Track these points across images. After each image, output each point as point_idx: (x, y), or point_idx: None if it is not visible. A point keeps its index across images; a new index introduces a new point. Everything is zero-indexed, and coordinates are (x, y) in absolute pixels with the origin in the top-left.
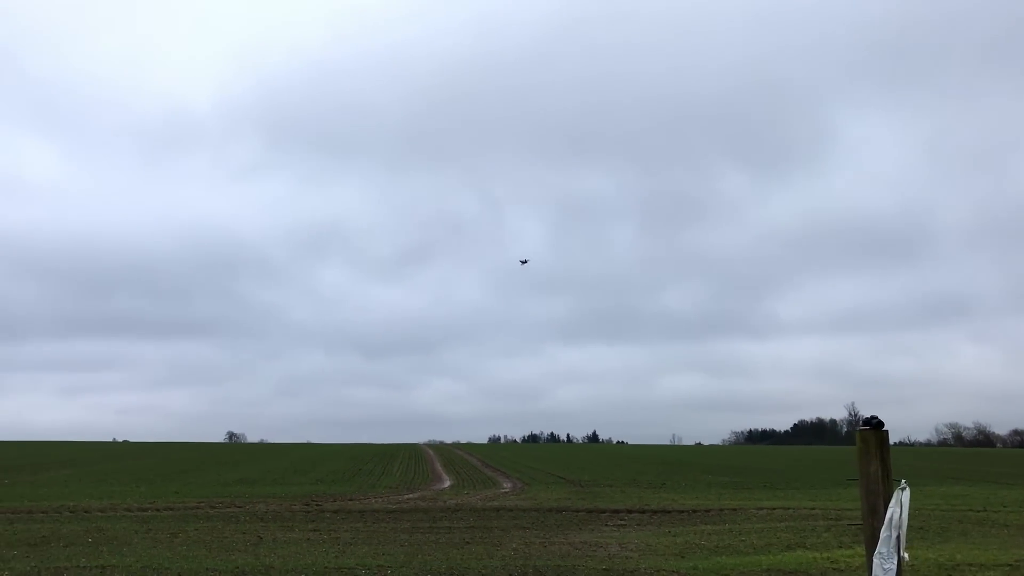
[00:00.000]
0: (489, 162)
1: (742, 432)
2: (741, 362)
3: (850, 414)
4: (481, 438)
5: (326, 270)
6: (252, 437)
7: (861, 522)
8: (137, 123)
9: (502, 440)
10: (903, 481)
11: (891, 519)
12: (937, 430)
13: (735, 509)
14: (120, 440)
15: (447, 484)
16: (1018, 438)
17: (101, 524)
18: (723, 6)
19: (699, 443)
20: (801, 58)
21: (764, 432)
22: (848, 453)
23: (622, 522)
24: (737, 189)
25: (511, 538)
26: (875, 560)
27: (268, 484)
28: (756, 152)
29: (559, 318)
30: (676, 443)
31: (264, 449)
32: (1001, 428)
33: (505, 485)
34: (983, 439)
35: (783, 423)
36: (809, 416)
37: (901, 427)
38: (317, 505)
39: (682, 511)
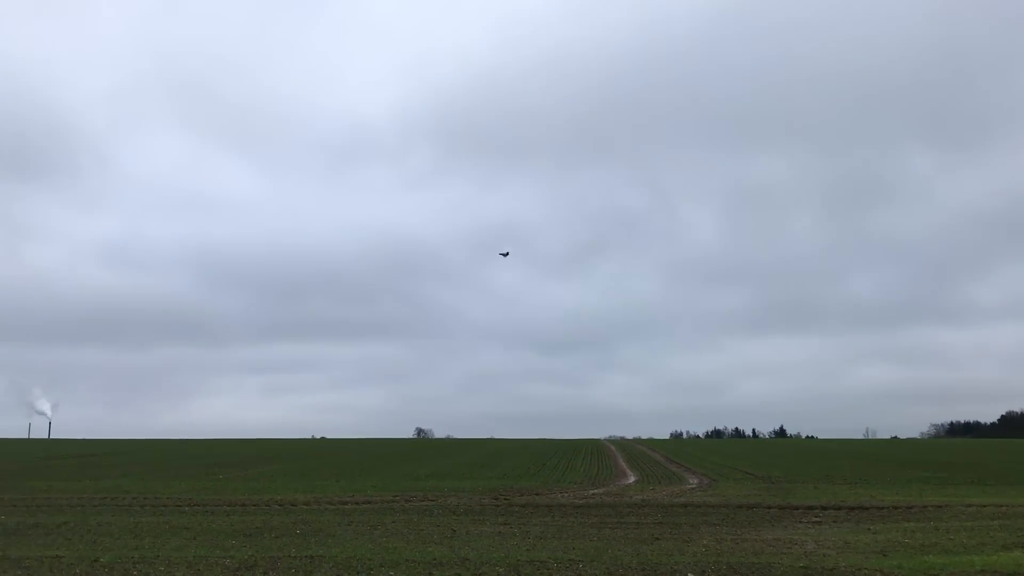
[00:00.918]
0: (658, 154)
1: (942, 425)
2: (937, 351)
3: None
4: (662, 434)
5: (502, 270)
6: (439, 433)
7: None
8: (321, 138)
9: (684, 436)
10: None
11: None
12: None
13: (940, 506)
14: (318, 437)
15: (631, 480)
16: None
17: (306, 516)
18: None
19: (895, 437)
20: (991, 20)
21: (967, 424)
22: None
23: (817, 519)
24: (926, 167)
25: (701, 534)
26: None
27: (457, 479)
28: (946, 127)
29: (737, 310)
30: (870, 437)
31: (450, 445)
32: None
33: (691, 481)
34: None
35: (988, 415)
36: (1018, 407)
37: None
38: (505, 499)
39: (881, 508)
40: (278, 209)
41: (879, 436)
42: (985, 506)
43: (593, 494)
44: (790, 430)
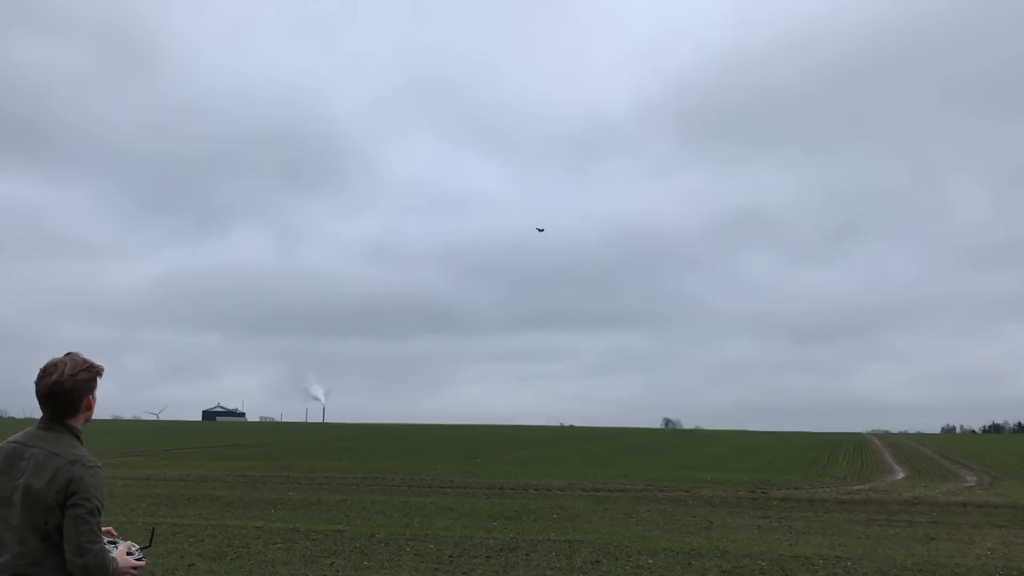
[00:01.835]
0: (920, 128)
1: None
2: None
3: None
4: (932, 428)
5: (748, 256)
6: (687, 424)
7: None
8: (562, 132)
9: (958, 430)
10: None
11: None
12: None
13: None
14: (567, 424)
15: (900, 476)
16: None
17: (562, 502)
18: None
19: None
20: None
21: None
22: None
23: None
24: None
25: (984, 536)
26: None
27: (710, 470)
28: None
29: (1017, 293)
30: None
31: (701, 436)
32: None
33: (968, 479)
34: None
35: None
36: None
37: None
38: (763, 492)
39: None
40: (524, 203)
41: None
42: None
43: (858, 490)
44: None
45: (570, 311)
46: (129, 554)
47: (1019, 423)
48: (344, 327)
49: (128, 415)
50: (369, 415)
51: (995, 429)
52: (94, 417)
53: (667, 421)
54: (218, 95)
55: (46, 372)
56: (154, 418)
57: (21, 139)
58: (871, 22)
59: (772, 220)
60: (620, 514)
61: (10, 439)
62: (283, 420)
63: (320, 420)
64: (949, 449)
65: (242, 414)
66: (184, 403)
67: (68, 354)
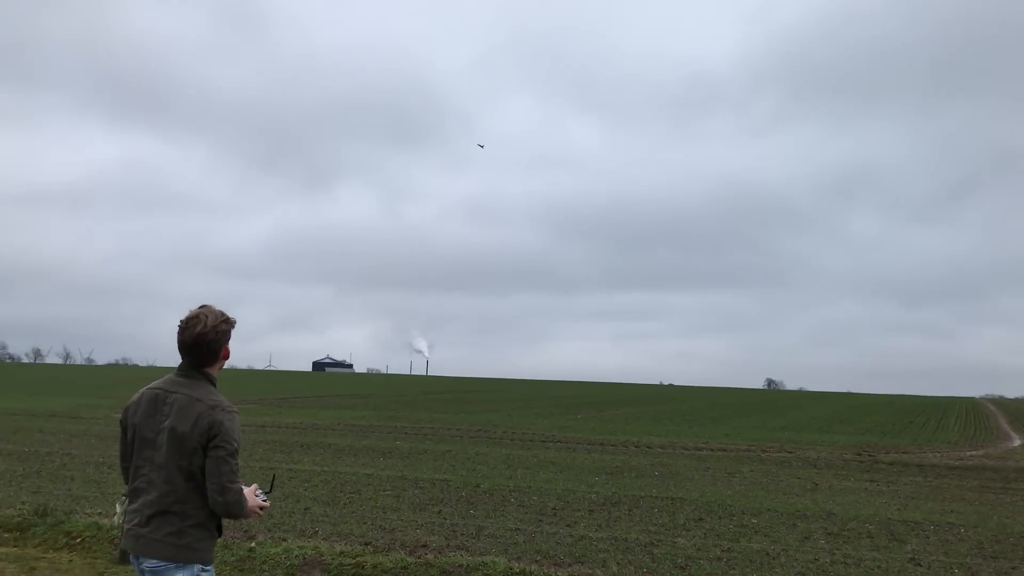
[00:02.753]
0: None
1: None
2: None
3: None
4: None
5: (856, 215)
6: (790, 385)
7: None
8: (664, 92)
9: None
10: None
11: None
12: None
13: None
14: (665, 383)
15: (1017, 443)
16: None
17: (663, 459)
18: None
19: None
20: None
21: None
22: None
23: None
24: None
25: None
26: None
27: (814, 432)
28: None
29: None
30: None
31: (804, 397)
32: None
33: None
34: None
35: None
36: None
37: None
38: (870, 455)
39: None
40: (622, 162)
41: None
42: None
43: (971, 455)
44: None
45: (669, 270)
46: (255, 496)
47: None
48: (446, 283)
49: (243, 364)
50: (470, 369)
51: None
52: None
53: (770, 382)
54: (325, 57)
55: (189, 323)
56: (267, 368)
57: (143, 102)
58: None
59: (883, 178)
60: (722, 473)
61: (151, 385)
62: (389, 372)
63: (424, 373)
64: None
65: (350, 365)
66: (295, 354)
67: (203, 307)
